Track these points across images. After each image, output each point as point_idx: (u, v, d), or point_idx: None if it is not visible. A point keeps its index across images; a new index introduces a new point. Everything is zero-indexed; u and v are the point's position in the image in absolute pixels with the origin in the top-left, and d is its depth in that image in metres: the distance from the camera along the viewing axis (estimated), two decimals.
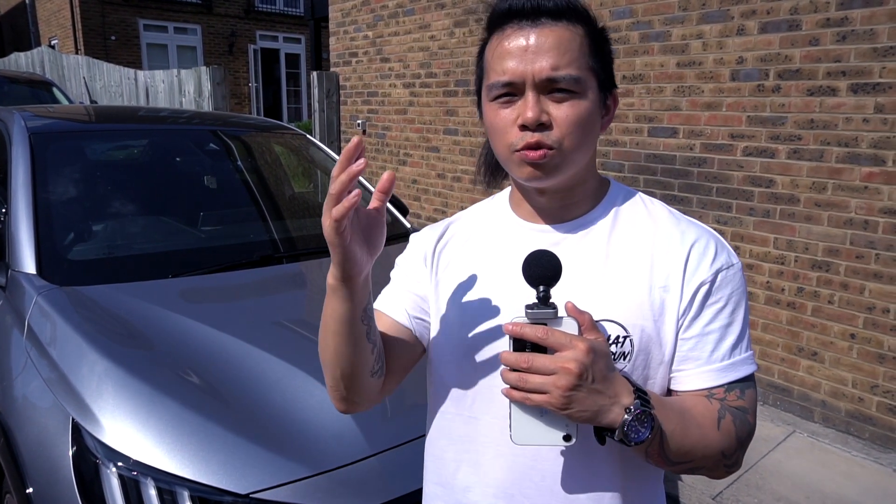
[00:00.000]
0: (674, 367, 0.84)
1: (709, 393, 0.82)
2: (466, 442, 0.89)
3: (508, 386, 0.72)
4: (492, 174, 0.99)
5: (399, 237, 2.72)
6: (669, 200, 3.56)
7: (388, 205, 3.02)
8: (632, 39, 3.69)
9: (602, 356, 0.72)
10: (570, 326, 0.72)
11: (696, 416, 0.79)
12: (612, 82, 0.86)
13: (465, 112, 4.93)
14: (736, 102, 3.26)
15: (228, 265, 2.19)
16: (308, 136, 3.31)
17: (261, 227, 2.65)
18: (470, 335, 0.87)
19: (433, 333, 0.93)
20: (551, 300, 0.73)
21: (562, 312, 0.73)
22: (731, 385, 0.83)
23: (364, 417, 1.50)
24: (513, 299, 0.84)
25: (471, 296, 0.89)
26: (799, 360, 3.15)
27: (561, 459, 0.83)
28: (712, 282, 0.82)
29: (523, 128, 0.79)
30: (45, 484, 1.41)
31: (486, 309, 0.87)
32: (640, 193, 0.93)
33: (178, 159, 2.94)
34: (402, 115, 5.57)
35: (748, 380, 0.84)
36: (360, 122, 6.08)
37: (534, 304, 0.73)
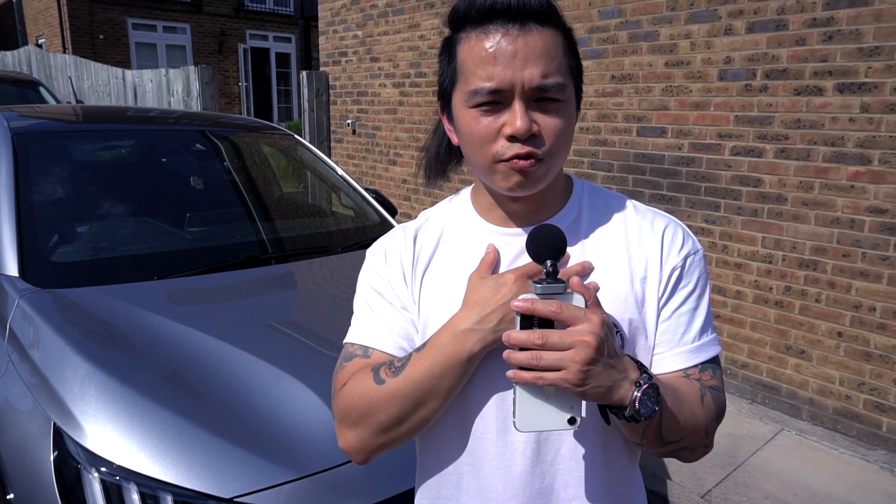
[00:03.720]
0: (653, 352, 0.85)
1: (685, 373, 0.84)
2: (459, 460, 0.86)
3: (516, 368, 0.69)
4: (438, 173, 0.96)
5: None
6: (658, 200, 3.57)
7: (377, 204, 3.04)
8: (620, 39, 3.70)
9: (612, 331, 0.72)
10: (578, 302, 0.70)
11: (684, 394, 0.80)
12: (581, 80, 0.85)
13: None
14: (724, 102, 3.27)
15: (215, 267, 2.18)
16: (296, 136, 3.30)
17: (248, 227, 2.63)
18: None
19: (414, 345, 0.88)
20: (559, 275, 0.71)
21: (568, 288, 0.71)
22: (703, 365, 0.85)
23: None
24: None
25: (447, 300, 0.85)
26: (787, 358, 3.17)
27: (555, 457, 0.83)
28: (682, 267, 0.85)
29: (512, 138, 0.76)
30: (27, 489, 1.40)
31: None
32: (600, 187, 0.93)
33: (163, 160, 2.91)
34: (392, 114, 5.56)
35: (715, 360, 0.87)
36: (349, 121, 6.06)
37: (541, 279, 0.71)
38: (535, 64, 0.75)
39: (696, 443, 0.82)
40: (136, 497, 1.30)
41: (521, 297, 0.70)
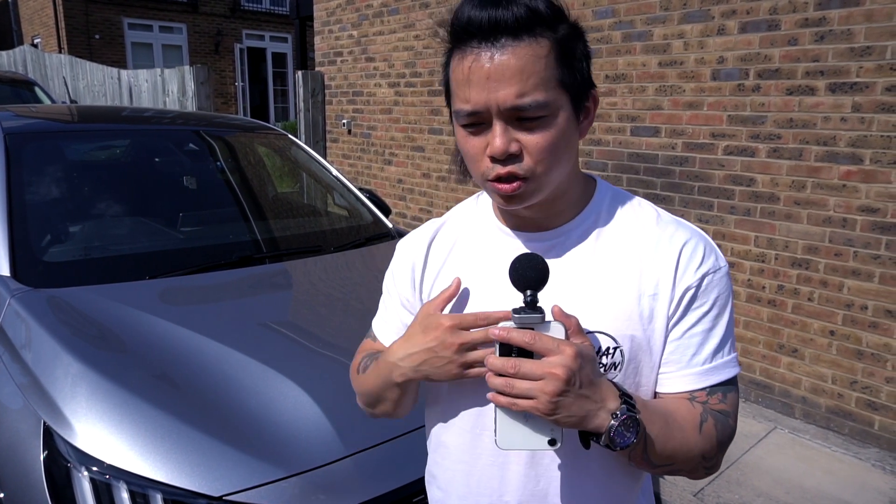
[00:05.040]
0: (659, 370, 0.83)
1: (690, 396, 0.81)
2: (459, 452, 0.88)
3: (495, 391, 0.70)
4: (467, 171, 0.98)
5: (381, 237, 2.72)
6: (652, 199, 3.58)
7: (370, 204, 3.04)
8: (614, 39, 3.71)
9: (589, 361, 0.71)
10: (557, 331, 0.71)
11: (679, 420, 0.78)
12: (590, 83, 0.81)
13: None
14: (717, 102, 3.28)
15: (207, 266, 2.18)
16: (291, 136, 3.30)
17: (241, 227, 2.63)
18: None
19: None
20: (538, 304, 0.72)
21: (549, 317, 0.72)
22: (713, 388, 0.81)
23: (339, 419, 1.50)
24: (496, 307, 0.82)
25: (458, 308, 0.87)
26: (780, 357, 3.18)
27: (549, 463, 0.83)
28: (698, 286, 0.81)
29: (493, 159, 0.76)
30: (17, 489, 1.40)
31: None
32: (626, 193, 0.90)
33: (157, 160, 2.91)
34: (388, 114, 5.56)
35: (730, 382, 0.83)
36: (345, 121, 6.06)
37: (521, 308, 0.72)
38: (508, 84, 0.73)
39: (691, 466, 0.80)
40: (125, 496, 1.30)
41: (499, 325, 0.72)
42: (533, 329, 0.70)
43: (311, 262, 2.35)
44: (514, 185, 0.76)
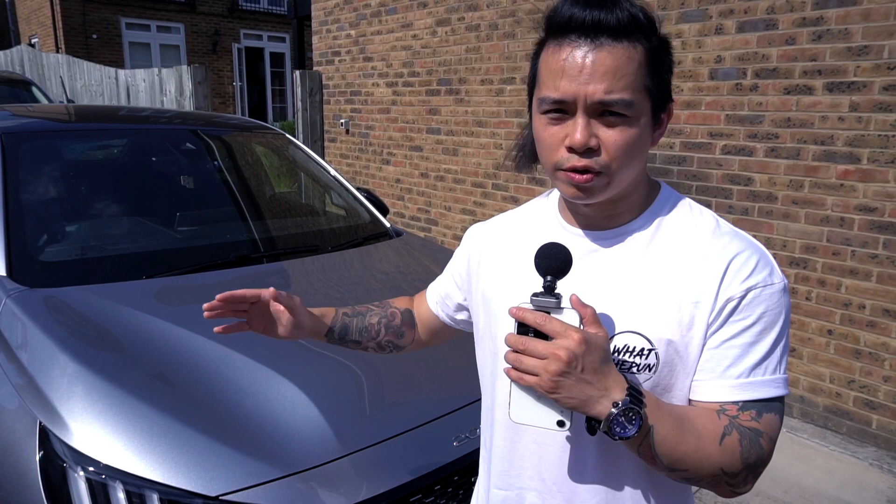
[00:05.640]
0: (693, 377, 0.84)
1: (720, 407, 0.80)
2: (501, 429, 0.94)
3: (510, 366, 0.76)
4: (528, 161, 0.99)
5: (379, 236, 2.72)
6: None
7: (369, 204, 3.04)
8: None
9: (596, 349, 0.74)
10: (571, 317, 0.75)
11: (697, 427, 0.78)
12: (668, 96, 0.85)
13: (448, 111, 4.93)
14: (714, 101, 3.28)
15: (204, 265, 2.17)
16: (288, 136, 3.30)
17: (238, 226, 2.63)
18: (504, 329, 0.90)
19: (477, 323, 1.02)
20: (556, 290, 0.77)
21: (565, 304, 0.76)
22: (746, 404, 0.80)
23: (336, 418, 1.50)
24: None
25: (501, 290, 0.94)
26: None
27: (580, 451, 0.86)
28: (741, 298, 0.80)
29: (570, 149, 0.79)
30: (12, 489, 1.39)
31: (511, 302, 0.88)
32: (689, 201, 0.91)
33: (153, 159, 2.91)
34: (386, 114, 5.56)
35: (771, 402, 0.80)
36: (343, 121, 6.06)
37: (540, 292, 0.77)
38: (600, 80, 0.76)
39: (709, 478, 0.78)
40: (122, 496, 1.29)
41: (517, 304, 0.77)
42: (548, 313, 0.75)
43: (308, 261, 2.34)
44: (587, 176, 0.79)
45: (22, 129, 2.52)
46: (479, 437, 1.57)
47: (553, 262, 0.77)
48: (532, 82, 0.87)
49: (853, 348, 2.91)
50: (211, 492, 1.30)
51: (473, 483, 1.52)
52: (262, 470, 1.34)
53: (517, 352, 0.74)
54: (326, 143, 6.39)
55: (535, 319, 0.74)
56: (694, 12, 3.32)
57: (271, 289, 1.02)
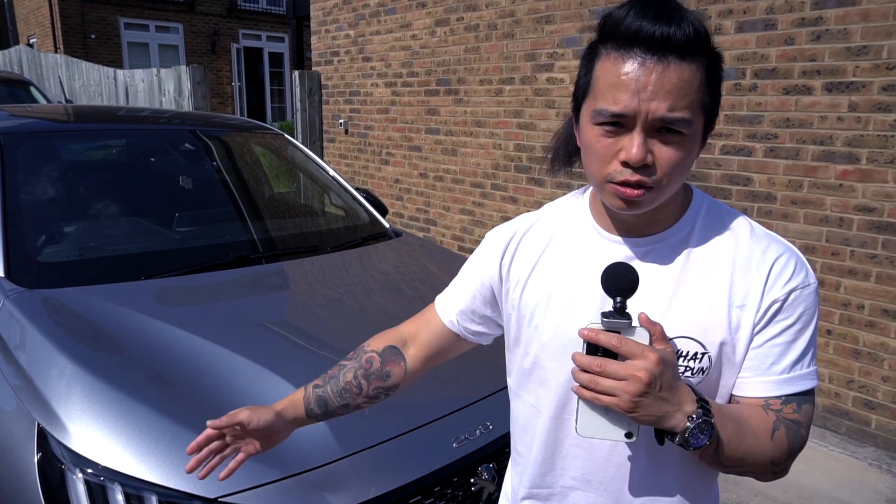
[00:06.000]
0: (738, 375, 0.87)
1: (765, 402, 0.85)
2: (543, 434, 0.95)
3: (579, 384, 0.76)
4: (564, 164, 0.99)
5: (378, 237, 2.71)
6: None
7: (367, 204, 3.03)
8: None
9: (670, 366, 0.75)
10: (641, 336, 0.76)
11: (752, 426, 0.82)
12: (717, 111, 0.85)
13: (447, 111, 4.92)
14: None
15: (203, 266, 2.17)
16: (287, 136, 3.29)
17: (237, 227, 2.62)
18: (545, 339, 0.91)
19: (508, 329, 1.00)
20: (627, 311, 0.77)
21: (635, 322, 0.77)
22: (788, 398, 0.84)
23: (336, 420, 1.49)
24: (588, 306, 0.88)
25: (548, 299, 0.92)
26: None
27: (629, 453, 0.88)
28: (784, 300, 0.83)
29: (625, 164, 0.78)
30: (11, 491, 1.39)
31: (563, 314, 0.90)
32: (721, 205, 0.93)
33: (152, 160, 2.90)
34: (385, 114, 5.56)
35: (806, 394, 0.86)
36: (342, 121, 6.05)
37: (609, 312, 0.77)
38: (663, 98, 0.75)
39: (760, 469, 0.84)
40: (120, 497, 1.29)
41: (588, 325, 0.77)
42: (619, 333, 0.75)
43: (307, 262, 2.34)
44: (640, 192, 0.79)
45: (20, 129, 2.51)
46: (478, 437, 1.57)
47: (623, 283, 0.77)
48: (581, 90, 0.85)
49: (852, 348, 2.91)
50: (210, 493, 1.29)
51: (473, 484, 1.51)
52: (261, 471, 1.34)
53: (592, 372, 0.74)
54: (325, 144, 6.39)
55: (610, 341, 0.74)
56: (693, 12, 3.31)
57: (207, 425, 1.01)
